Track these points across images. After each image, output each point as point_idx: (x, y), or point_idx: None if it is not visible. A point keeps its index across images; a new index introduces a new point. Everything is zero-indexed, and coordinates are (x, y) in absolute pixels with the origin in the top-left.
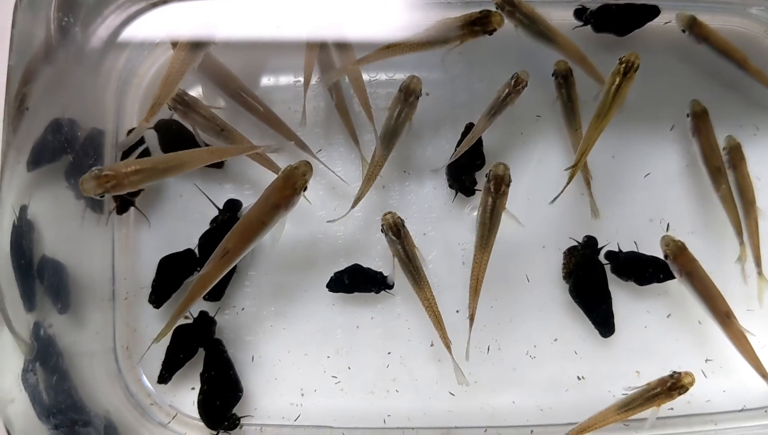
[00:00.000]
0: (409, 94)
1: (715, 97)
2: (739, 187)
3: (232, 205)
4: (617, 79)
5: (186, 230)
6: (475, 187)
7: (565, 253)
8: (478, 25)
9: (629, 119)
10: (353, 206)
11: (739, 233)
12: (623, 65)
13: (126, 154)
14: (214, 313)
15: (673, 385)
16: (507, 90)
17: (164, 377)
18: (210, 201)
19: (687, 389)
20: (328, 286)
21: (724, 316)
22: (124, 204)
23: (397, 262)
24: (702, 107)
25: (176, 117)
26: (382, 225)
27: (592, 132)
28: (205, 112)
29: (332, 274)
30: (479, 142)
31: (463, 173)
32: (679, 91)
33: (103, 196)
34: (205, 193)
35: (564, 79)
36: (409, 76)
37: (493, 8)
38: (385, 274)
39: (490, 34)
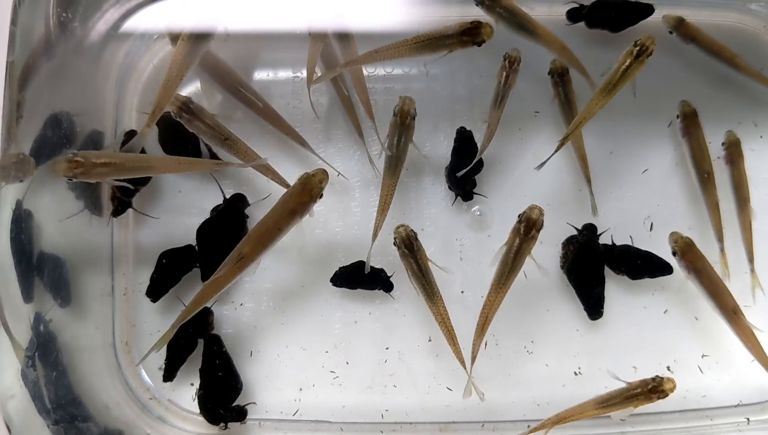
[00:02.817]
0: (405, 117)
1: (713, 93)
2: (735, 184)
3: (238, 198)
4: (628, 60)
5: (185, 225)
6: (474, 191)
7: (563, 243)
8: (468, 35)
9: (627, 115)
10: (373, 241)
11: (720, 240)
12: (637, 48)
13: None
14: (211, 305)
15: (654, 389)
16: (505, 73)
17: (169, 375)
18: (221, 190)
19: (667, 395)
20: (331, 280)
21: (731, 312)
22: (120, 205)
23: (410, 275)
24: (692, 108)
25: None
26: (395, 238)
27: (592, 106)
28: (210, 121)
29: (336, 269)
30: (474, 146)
31: (463, 179)
32: (677, 87)
33: (71, 180)
34: (203, 189)
35: (560, 78)
36: (401, 97)
37: (484, 18)
38: (388, 273)
39: (479, 45)
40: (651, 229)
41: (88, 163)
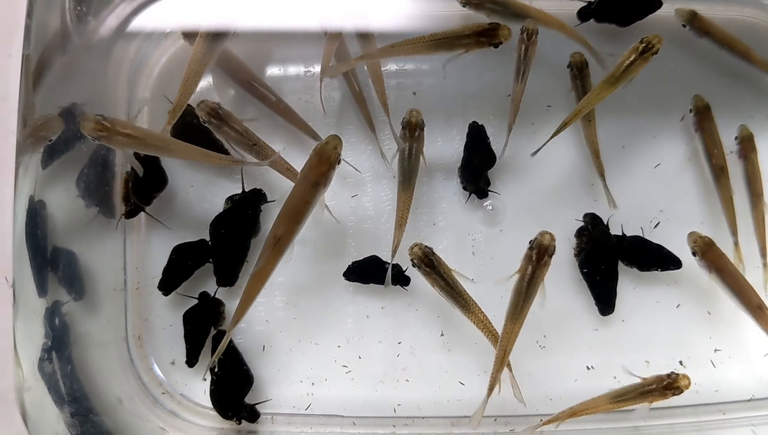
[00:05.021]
0: (413, 129)
1: (725, 86)
2: (749, 178)
3: (256, 194)
4: (633, 56)
5: (197, 220)
6: (489, 189)
7: (576, 233)
8: (485, 36)
9: (639, 110)
10: (393, 257)
11: (735, 234)
12: (643, 45)
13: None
14: (214, 292)
15: (669, 385)
16: (524, 46)
17: (191, 361)
18: (242, 183)
19: (682, 391)
20: (344, 274)
21: (756, 308)
22: (133, 209)
23: (438, 292)
24: (705, 102)
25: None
26: (412, 260)
27: (593, 96)
28: (238, 126)
29: (350, 263)
30: (487, 140)
31: (477, 174)
32: (689, 81)
33: (95, 140)
34: (215, 184)
35: (579, 71)
36: (408, 110)
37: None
38: (402, 267)
39: (496, 47)
40: (656, 226)
41: (113, 129)
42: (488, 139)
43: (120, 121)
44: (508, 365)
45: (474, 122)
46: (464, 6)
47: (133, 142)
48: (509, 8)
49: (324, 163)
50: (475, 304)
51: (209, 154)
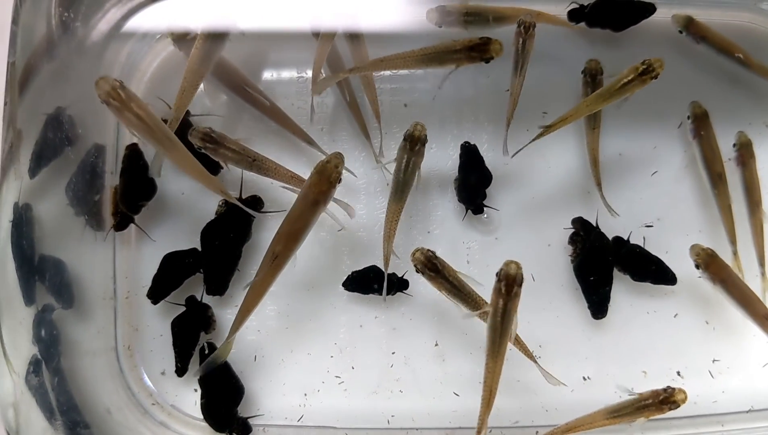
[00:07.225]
0: (414, 143)
1: (723, 93)
2: (747, 185)
3: (253, 201)
4: (631, 76)
5: (188, 227)
6: (486, 204)
7: (569, 241)
8: (476, 51)
9: (636, 117)
10: (386, 269)
11: (733, 242)
12: (644, 66)
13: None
14: (201, 298)
15: (665, 399)
16: (521, 39)
17: (180, 369)
18: (240, 189)
19: (678, 405)
20: (344, 284)
21: (763, 318)
22: (123, 220)
23: (446, 296)
24: (703, 109)
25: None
26: (415, 266)
27: (582, 106)
28: (234, 146)
29: (349, 274)
30: (480, 158)
31: (474, 194)
32: (687, 88)
33: (103, 102)
34: (206, 191)
35: (592, 78)
36: (413, 123)
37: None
38: (399, 273)
39: (487, 61)
40: (648, 227)
41: (127, 103)
42: (482, 158)
43: (139, 101)
44: (531, 357)
45: (466, 142)
46: (440, 27)
47: (140, 126)
48: (483, 15)
49: (324, 182)
50: (486, 304)
51: (207, 176)
